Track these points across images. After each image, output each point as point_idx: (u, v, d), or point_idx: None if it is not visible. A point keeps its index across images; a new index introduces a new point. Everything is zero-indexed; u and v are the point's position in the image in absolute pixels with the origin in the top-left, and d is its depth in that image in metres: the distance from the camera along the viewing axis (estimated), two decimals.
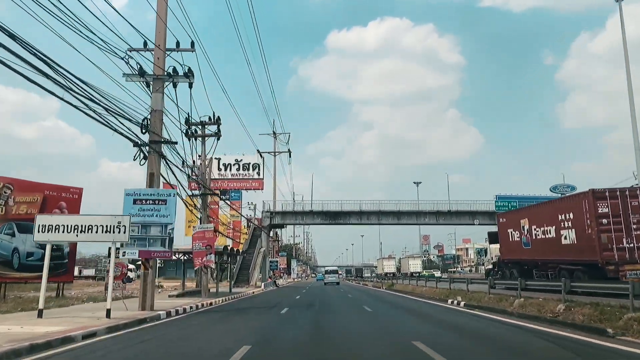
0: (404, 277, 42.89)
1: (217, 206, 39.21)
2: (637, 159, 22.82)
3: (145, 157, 15.06)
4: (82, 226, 11.94)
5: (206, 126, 23.58)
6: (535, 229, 20.72)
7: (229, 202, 40.74)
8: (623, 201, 16.14)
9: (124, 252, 14.17)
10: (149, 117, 14.90)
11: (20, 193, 20.69)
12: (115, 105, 12.49)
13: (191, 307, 16.56)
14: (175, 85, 15.65)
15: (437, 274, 65.52)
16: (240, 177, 43.02)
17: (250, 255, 44.60)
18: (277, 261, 58.86)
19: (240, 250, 41.36)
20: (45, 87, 9.86)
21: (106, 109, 11.81)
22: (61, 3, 10.03)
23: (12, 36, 8.92)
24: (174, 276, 50.42)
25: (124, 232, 12.03)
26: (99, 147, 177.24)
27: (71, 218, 12.70)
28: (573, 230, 17.61)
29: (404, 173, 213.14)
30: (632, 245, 15.87)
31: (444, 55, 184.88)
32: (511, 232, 23.31)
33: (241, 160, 43.13)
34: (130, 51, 15.22)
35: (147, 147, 14.88)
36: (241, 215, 46.60)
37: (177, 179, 19.18)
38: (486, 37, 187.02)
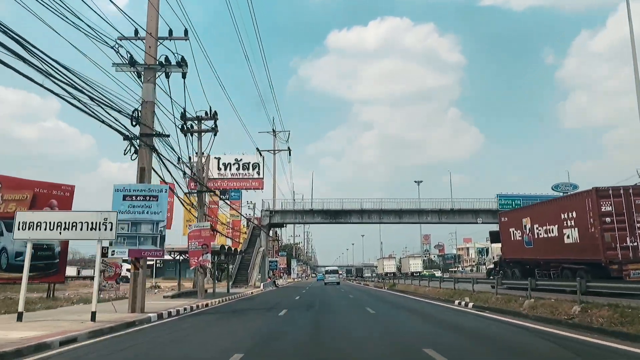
0: (406, 277, 42.24)
1: (216, 206, 38.53)
2: None
3: (136, 152, 14.33)
4: (65, 223, 11.15)
5: (202, 121, 22.81)
6: (537, 228, 20.40)
7: (228, 202, 40.07)
8: (627, 199, 15.85)
9: (113, 251, 13.41)
10: (139, 108, 14.14)
11: (9, 191, 19.95)
12: (102, 95, 11.72)
13: (185, 309, 15.81)
14: (167, 76, 14.88)
15: (438, 273, 65.05)
16: (240, 176, 42.44)
17: (249, 254, 43.81)
18: (276, 261, 58.16)
19: (239, 250, 40.59)
20: (22, 72, 9.10)
21: (91, 98, 11.02)
22: None
23: None
24: (173, 276, 49.66)
25: (111, 230, 11.25)
26: (99, 148, 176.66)
27: (54, 214, 11.93)
28: (576, 229, 17.32)
29: (404, 173, 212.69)
30: (635, 244, 15.56)
31: (445, 55, 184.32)
32: (513, 231, 22.96)
33: (241, 159, 42.55)
34: (121, 40, 14.43)
35: (138, 141, 14.13)
36: (241, 214, 45.91)
37: (172, 177, 18.47)
38: (487, 36, 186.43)
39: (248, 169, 42.45)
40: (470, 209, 46.17)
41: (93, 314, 10.85)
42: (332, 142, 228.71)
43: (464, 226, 60.90)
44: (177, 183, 20.70)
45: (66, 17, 10.81)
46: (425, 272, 67.28)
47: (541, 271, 20.42)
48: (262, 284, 39.83)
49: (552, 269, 19.47)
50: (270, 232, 54.17)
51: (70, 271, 54.95)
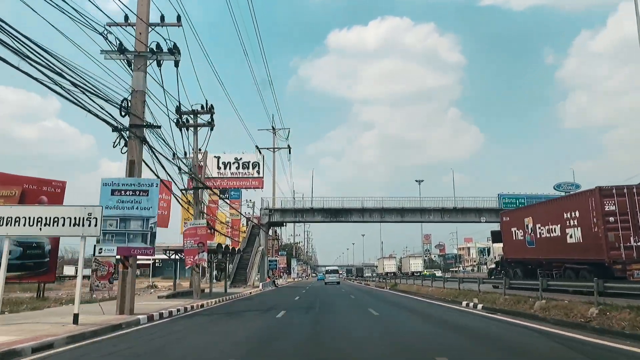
0: (407, 277, 41.55)
1: (216, 205, 37.82)
2: None
3: (126, 144, 13.55)
4: (46, 219, 10.36)
5: (199, 115, 22.02)
6: (539, 228, 20.13)
7: (228, 201, 39.38)
8: (630, 199, 15.58)
9: (101, 249, 12.61)
10: (129, 98, 13.35)
11: None
12: (86, 81, 10.92)
13: (178, 310, 15.04)
14: (159, 64, 14.09)
15: (438, 273, 64.60)
16: (240, 175, 41.81)
17: (248, 254, 42.99)
18: (276, 260, 57.46)
19: (237, 249, 39.79)
20: None
21: (73, 84, 10.23)
22: None
23: None
24: (171, 276, 48.82)
25: (95, 225, 10.46)
26: (99, 148, 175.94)
27: (34, 209, 11.12)
28: (579, 228, 17.09)
29: (404, 173, 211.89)
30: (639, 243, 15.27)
31: (445, 55, 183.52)
32: (515, 231, 22.69)
33: (241, 158, 41.92)
34: (110, 26, 13.72)
35: (128, 132, 13.34)
36: (240, 214, 45.16)
37: (167, 174, 17.69)
38: (487, 36, 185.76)
39: (248, 168, 41.82)
40: (474, 207, 45.32)
41: (75, 317, 10.08)
42: (332, 142, 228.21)
43: (465, 226, 60.30)
44: (172, 180, 19.93)
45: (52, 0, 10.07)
46: (425, 272, 66.76)
47: (543, 271, 20.15)
48: (261, 283, 39.07)
49: (554, 269, 19.23)
50: (270, 231, 53.39)
51: (69, 270, 54.29)
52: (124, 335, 9.62)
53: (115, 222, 12.79)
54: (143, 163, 14.22)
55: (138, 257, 13.60)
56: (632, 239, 15.27)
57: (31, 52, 8.92)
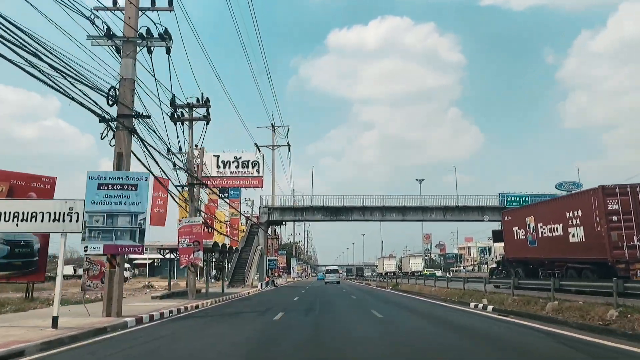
0: (409, 277, 40.91)
1: (215, 204, 37.10)
2: None
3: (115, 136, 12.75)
4: (23, 213, 9.57)
5: (194, 108, 21.23)
6: (541, 227, 19.99)
7: (227, 201, 38.67)
8: (634, 197, 15.46)
9: (86, 247, 11.81)
10: (117, 86, 12.55)
11: None
12: (68, 65, 10.12)
13: (171, 312, 14.24)
14: (150, 51, 13.29)
15: (438, 273, 63.95)
16: (240, 174, 41.13)
17: (247, 253, 42.20)
18: (275, 260, 56.75)
19: (235, 248, 39.02)
20: None
21: (52, 67, 9.42)
22: None
23: None
24: (172, 275, 48.19)
25: (77, 221, 9.67)
26: (99, 148, 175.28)
27: (9, 203, 10.28)
28: (581, 227, 16.94)
29: (405, 173, 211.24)
30: None
31: (445, 55, 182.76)
32: (516, 231, 22.49)
33: (240, 157, 41.25)
34: (97, 10, 12.94)
35: (116, 123, 12.54)
36: (240, 213, 44.41)
37: (162, 171, 16.93)
38: (487, 36, 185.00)
39: (247, 167, 41.14)
40: (477, 206, 44.55)
41: (55, 320, 9.27)
42: (332, 142, 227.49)
43: (465, 226, 59.67)
44: (168, 177, 19.16)
45: None
46: (426, 272, 66.16)
47: (545, 271, 20.03)
48: (260, 283, 38.30)
49: (556, 269, 19.04)
50: (269, 230, 52.59)
51: (67, 270, 53.73)
52: (106, 341, 8.82)
53: (102, 218, 11.99)
54: (136, 159, 13.50)
55: (134, 256, 12.84)
56: (635, 238, 15.13)
57: (3, 29, 8.12)
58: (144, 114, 13.82)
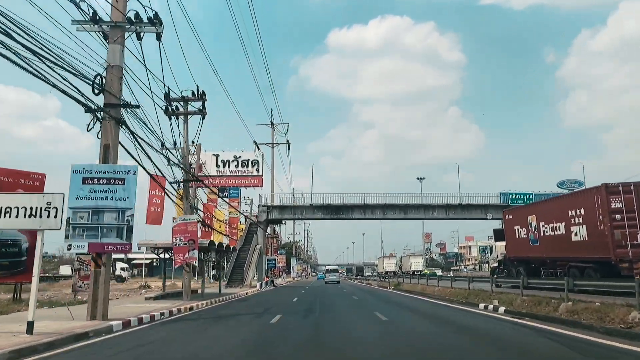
0: (411, 277, 40.18)
1: (214, 204, 36.39)
2: None
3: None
4: None
5: (189, 102, 20.42)
6: (543, 226, 19.77)
7: (227, 200, 37.95)
8: (637, 196, 15.21)
9: (69, 245, 11.04)
10: (103, 74, 11.75)
11: None
12: (46, 47, 9.33)
13: (162, 314, 13.45)
14: (139, 37, 12.49)
15: (439, 272, 63.31)
16: (239, 173, 40.64)
17: (245, 252, 41.39)
18: (275, 259, 56.00)
19: (233, 247, 38.23)
20: None
21: (26, 47, 8.62)
22: None
23: None
24: (169, 275, 47.40)
25: (56, 217, 8.88)
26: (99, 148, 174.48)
27: None
28: (584, 226, 16.72)
29: (405, 172, 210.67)
30: None
31: (445, 54, 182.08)
32: (518, 229, 22.27)
33: (240, 156, 40.71)
34: None
35: (102, 113, 11.74)
36: (240, 212, 43.66)
37: (157, 167, 16.15)
38: (487, 35, 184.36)
39: (247, 166, 40.59)
40: (480, 203, 43.81)
41: (30, 325, 8.46)
42: (333, 141, 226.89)
43: (466, 225, 58.84)
44: (163, 174, 18.39)
45: None
46: (426, 271, 65.56)
47: (547, 270, 19.87)
48: (258, 283, 37.53)
49: (558, 268, 18.88)
50: (269, 229, 51.80)
51: (65, 270, 53.04)
52: (86, 347, 8.03)
53: (87, 214, 11.21)
54: (127, 153, 12.69)
55: (133, 256, 12.07)
56: (639, 236, 14.88)
57: None
58: (143, 119, 13.09)
